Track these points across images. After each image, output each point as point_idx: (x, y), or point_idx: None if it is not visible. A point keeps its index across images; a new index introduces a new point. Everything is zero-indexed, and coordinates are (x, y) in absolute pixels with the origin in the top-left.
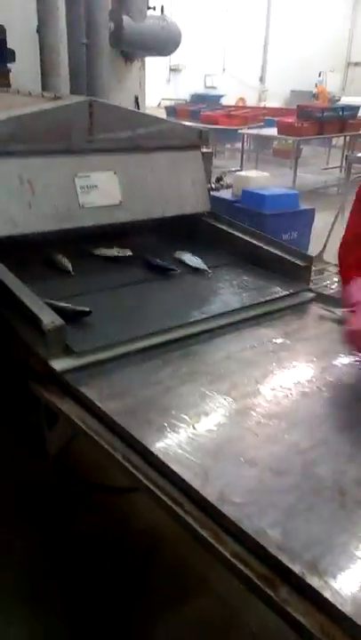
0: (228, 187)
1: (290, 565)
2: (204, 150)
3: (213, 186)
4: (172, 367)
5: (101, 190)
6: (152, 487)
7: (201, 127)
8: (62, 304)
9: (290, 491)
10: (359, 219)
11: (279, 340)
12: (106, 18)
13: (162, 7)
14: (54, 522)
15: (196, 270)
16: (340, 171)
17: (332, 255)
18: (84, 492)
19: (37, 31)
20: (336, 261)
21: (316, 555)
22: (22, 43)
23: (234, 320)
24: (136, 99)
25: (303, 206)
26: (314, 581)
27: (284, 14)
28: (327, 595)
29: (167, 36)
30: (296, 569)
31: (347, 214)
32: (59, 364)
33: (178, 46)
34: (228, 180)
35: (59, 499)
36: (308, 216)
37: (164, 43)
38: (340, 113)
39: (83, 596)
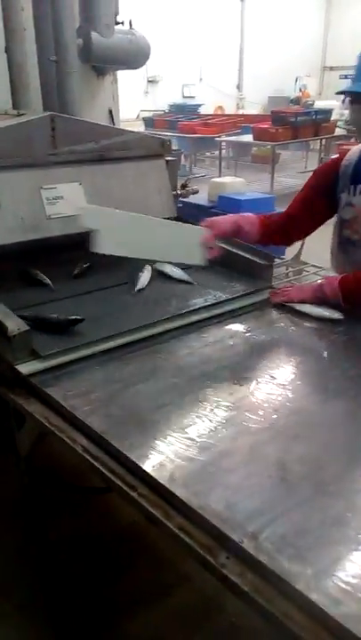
0: (194, 192)
1: (229, 534)
2: (168, 158)
3: (179, 192)
4: (135, 365)
5: (68, 201)
6: (107, 473)
7: (178, 136)
8: (53, 316)
9: (236, 469)
10: (307, 198)
11: (240, 335)
12: (74, 35)
13: (130, 22)
14: (33, 524)
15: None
16: None
17: (309, 256)
18: (61, 493)
19: (5, 51)
20: (315, 262)
21: (255, 525)
22: None
23: (196, 319)
24: (110, 112)
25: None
26: (250, 547)
27: (259, 21)
28: (263, 558)
29: (136, 50)
30: (235, 537)
31: None
32: (25, 368)
33: (147, 59)
34: (193, 186)
35: (35, 501)
36: None
37: (134, 56)
38: (314, 117)
39: (65, 596)
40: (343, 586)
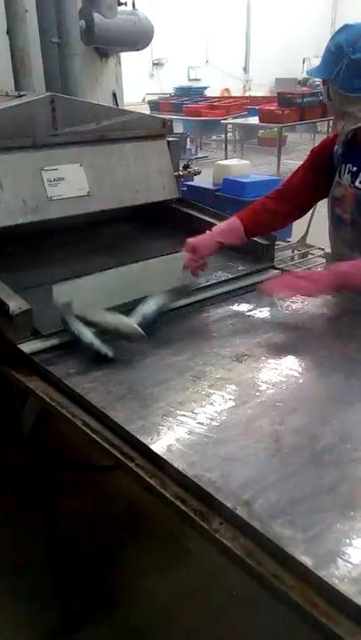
0: (197, 173)
1: (223, 501)
2: (170, 139)
3: (181, 173)
4: (135, 344)
5: (69, 182)
6: (106, 446)
7: (184, 120)
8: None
9: (232, 441)
10: (303, 175)
11: (240, 315)
12: (76, 16)
13: (133, 2)
14: (38, 503)
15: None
16: None
17: (314, 239)
18: (66, 472)
19: (7, 33)
20: (320, 244)
21: (249, 493)
22: None
23: (198, 298)
24: (114, 95)
25: None
26: (243, 513)
27: (265, 1)
28: (255, 524)
29: (140, 31)
30: (228, 504)
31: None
32: (27, 347)
33: (151, 40)
34: (195, 167)
35: (40, 480)
36: None
37: (137, 37)
38: (321, 98)
39: (71, 574)
40: (333, 549)
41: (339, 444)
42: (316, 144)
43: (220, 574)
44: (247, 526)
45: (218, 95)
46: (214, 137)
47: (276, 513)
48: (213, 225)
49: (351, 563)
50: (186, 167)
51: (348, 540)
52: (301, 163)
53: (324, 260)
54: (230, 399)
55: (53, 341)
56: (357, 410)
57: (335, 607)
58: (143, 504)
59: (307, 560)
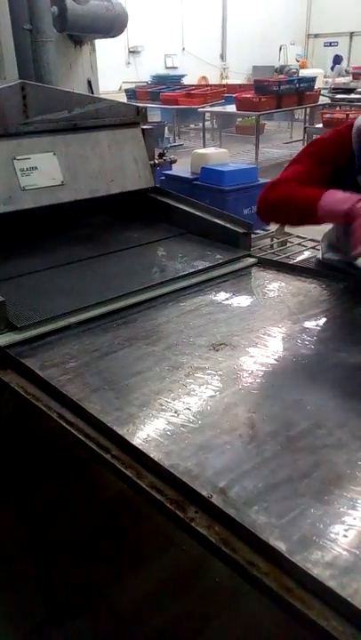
0: (172, 162)
1: (198, 489)
2: (145, 127)
3: (157, 162)
4: (112, 335)
5: (42, 172)
6: (82, 438)
7: (161, 108)
8: None
9: (208, 430)
10: (321, 168)
11: (217, 304)
12: (48, 2)
13: None
14: (18, 494)
15: None
16: (303, 144)
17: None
18: (46, 465)
19: None
20: (298, 233)
21: (225, 481)
22: None
23: (175, 288)
24: (89, 83)
25: (263, 180)
26: (219, 501)
27: None
28: (230, 511)
29: (113, 17)
30: (204, 492)
31: None
32: (1, 340)
33: (125, 26)
34: (171, 155)
35: (17, 473)
36: None
37: (111, 24)
38: (298, 85)
39: (55, 566)
40: (307, 534)
41: (313, 429)
42: (294, 132)
43: (205, 563)
44: (222, 514)
45: (195, 83)
46: (192, 125)
47: (251, 500)
48: (190, 214)
49: (325, 547)
50: (161, 155)
51: (321, 525)
52: (298, 155)
53: (303, 249)
54: (207, 388)
55: (28, 334)
56: (331, 395)
57: (309, 592)
58: (125, 494)
59: (281, 545)
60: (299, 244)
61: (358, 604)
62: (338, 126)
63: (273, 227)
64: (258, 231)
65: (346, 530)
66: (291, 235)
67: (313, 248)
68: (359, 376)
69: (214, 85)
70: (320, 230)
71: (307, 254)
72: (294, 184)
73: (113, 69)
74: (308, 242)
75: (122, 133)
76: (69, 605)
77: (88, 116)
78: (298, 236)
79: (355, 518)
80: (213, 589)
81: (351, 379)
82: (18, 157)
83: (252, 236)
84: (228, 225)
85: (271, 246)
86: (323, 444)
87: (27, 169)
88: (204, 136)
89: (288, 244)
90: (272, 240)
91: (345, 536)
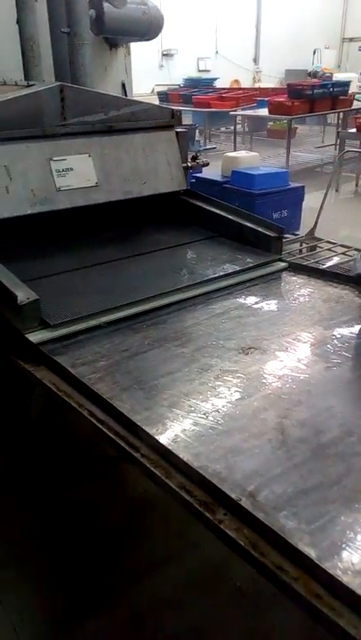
0: (205, 165)
1: (227, 492)
2: (179, 130)
3: (189, 164)
4: (142, 335)
5: (77, 173)
6: (112, 436)
7: (193, 111)
8: None
9: (237, 433)
10: None
11: (247, 307)
12: (86, 5)
13: None
14: (43, 492)
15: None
16: (335, 148)
17: (322, 232)
18: (73, 462)
19: (17, 23)
20: (328, 238)
21: (254, 485)
22: (4, 35)
23: (204, 291)
24: (123, 85)
25: (294, 184)
26: (248, 504)
27: None
28: (259, 515)
29: (149, 21)
30: (233, 495)
31: (338, 192)
32: (35, 337)
33: (160, 30)
34: (203, 158)
35: (44, 469)
36: (299, 194)
37: (147, 27)
38: (331, 89)
39: (73, 565)
40: (337, 541)
41: (344, 437)
42: (326, 136)
43: (227, 566)
44: (251, 517)
45: (227, 86)
46: (223, 129)
47: (280, 504)
48: (221, 217)
49: (355, 555)
50: (194, 158)
51: (352, 533)
52: None
53: (333, 254)
54: (236, 391)
55: (61, 332)
56: None
57: (338, 599)
58: (150, 494)
59: (311, 552)
60: (328, 250)
61: None
62: None
63: (303, 232)
64: (287, 235)
65: None
66: (321, 240)
67: (343, 254)
68: None
69: (246, 89)
70: (347, 236)
71: (336, 260)
72: None
73: (146, 72)
74: (338, 247)
75: (156, 136)
76: (91, 602)
77: (123, 118)
78: (328, 242)
79: None
80: (235, 594)
81: None
82: (54, 158)
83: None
84: (260, 228)
85: (300, 251)
86: (353, 452)
87: (62, 170)
88: (235, 139)
89: (318, 249)
90: (301, 245)
91: None
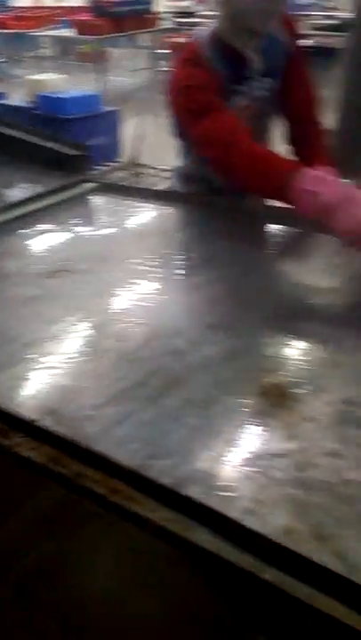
0: None
1: (23, 415)
2: None
3: None
4: None
5: None
6: None
7: None
8: None
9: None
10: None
11: (53, 231)
12: None
13: None
14: None
15: None
16: (152, 72)
17: (148, 159)
18: None
19: None
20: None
21: (55, 404)
22: None
23: (8, 218)
24: None
25: (108, 108)
26: (47, 423)
27: None
28: (60, 430)
29: None
30: (28, 417)
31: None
32: None
33: None
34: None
35: None
36: (113, 118)
37: None
38: (135, 7)
39: None
40: (129, 434)
41: (151, 339)
42: (140, 59)
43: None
44: (50, 435)
45: (27, 5)
46: (32, 54)
47: (81, 417)
48: (16, 138)
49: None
50: None
51: (143, 425)
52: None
53: (156, 179)
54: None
55: None
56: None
57: (131, 485)
58: None
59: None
60: (154, 176)
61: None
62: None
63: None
64: (109, 164)
65: None
66: (145, 166)
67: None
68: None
69: (50, 7)
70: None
71: (163, 186)
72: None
73: None
74: (164, 172)
75: None
76: None
77: None
78: (152, 167)
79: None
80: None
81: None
82: None
83: (103, 168)
84: (61, 149)
85: (123, 178)
86: (164, 352)
87: None
88: (42, 64)
89: (142, 176)
90: (124, 172)
91: None
